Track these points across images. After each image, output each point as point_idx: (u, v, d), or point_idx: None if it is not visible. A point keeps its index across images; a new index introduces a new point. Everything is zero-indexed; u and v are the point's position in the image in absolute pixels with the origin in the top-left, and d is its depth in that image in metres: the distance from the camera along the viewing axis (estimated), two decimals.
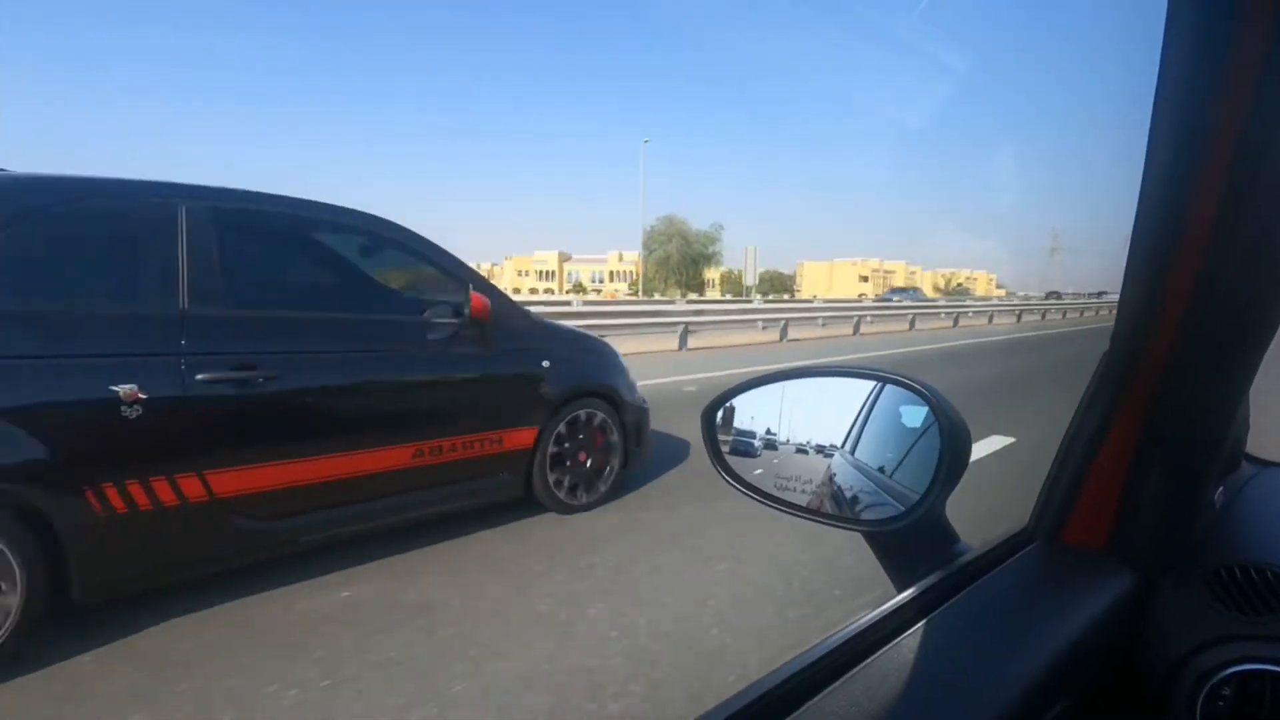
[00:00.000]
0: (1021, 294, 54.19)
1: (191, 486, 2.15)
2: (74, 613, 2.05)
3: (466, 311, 2.81)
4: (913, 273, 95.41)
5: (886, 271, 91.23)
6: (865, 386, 0.69)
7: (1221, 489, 0.72)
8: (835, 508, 0.68)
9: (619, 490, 3.47)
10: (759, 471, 0.72)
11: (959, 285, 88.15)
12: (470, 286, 2.86)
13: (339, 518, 2.53)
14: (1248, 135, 0.49)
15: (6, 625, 1.87)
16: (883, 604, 0.59)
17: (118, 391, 1.99)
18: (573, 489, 3.22)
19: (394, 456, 2.63)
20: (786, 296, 57.42)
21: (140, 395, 2.03)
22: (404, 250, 2.89)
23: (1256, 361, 0.58)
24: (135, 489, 2.04)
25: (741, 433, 0.74)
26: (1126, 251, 0.58)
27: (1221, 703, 0.57)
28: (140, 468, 2.05)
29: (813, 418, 0.71)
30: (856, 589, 2.46)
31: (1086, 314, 30.65)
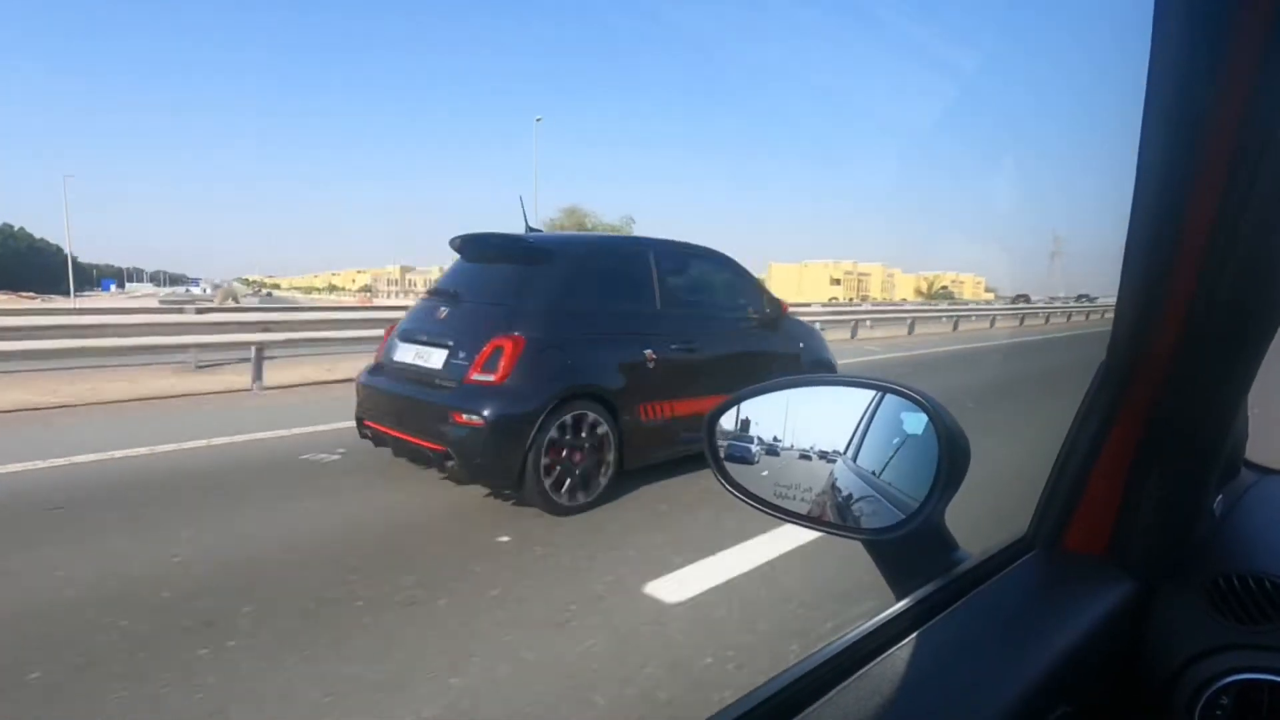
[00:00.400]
0: (996, 298, 51.73)
1: (668, 409, 3.88)
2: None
3: (766, 311, 4.67)
4: (890, 275, 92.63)
5: (861, 274, 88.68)
6: (865, 395, 0.69)
7: (1221, 496, 0.72)
8: (835, 516, 0.68)
9: None
10: (763, 476, 0.72)
11: (944, 288, 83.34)
12: (768, 295, 4.84)
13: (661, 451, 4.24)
14: (1244, 137, 0.48)
15: (608, 474, 3.59)
16: (882, 612, 0.59)
17: (645, 354, 3.79)
18: None
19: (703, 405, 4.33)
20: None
21: (653, 357, 3.81)
22: (735, 272, 4.66)
23: (1255, 367, 0.58)
24: (650, 407, 3.80)
25: (741, 440, 0.74)
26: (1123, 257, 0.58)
27: (1220, 711, 0.57)
28: (652, 396, 3.80)
29: (814, 426, 0.71)
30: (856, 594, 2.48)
31: (1061, 319, 27.21)
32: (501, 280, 3.83)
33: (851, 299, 67.00)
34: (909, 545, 0.65)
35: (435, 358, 3.57)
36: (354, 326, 8.72)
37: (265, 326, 7.83)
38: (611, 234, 5.72)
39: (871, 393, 0.69)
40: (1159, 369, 0.60)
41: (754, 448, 0.73)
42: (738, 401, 0.74)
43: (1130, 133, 0.54)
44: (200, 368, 8.23)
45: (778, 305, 4.76)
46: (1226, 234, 0.52)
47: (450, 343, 3.54)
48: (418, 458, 3.57)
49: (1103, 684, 0.62)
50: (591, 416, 3.51)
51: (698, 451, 3.06)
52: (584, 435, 3.48)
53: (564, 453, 3.40)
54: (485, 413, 3.23)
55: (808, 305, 18.66)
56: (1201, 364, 0.58)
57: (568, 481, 3.40)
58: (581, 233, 4.88)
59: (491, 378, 3.31)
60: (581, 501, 3.45)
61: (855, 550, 0.67)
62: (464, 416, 3.25)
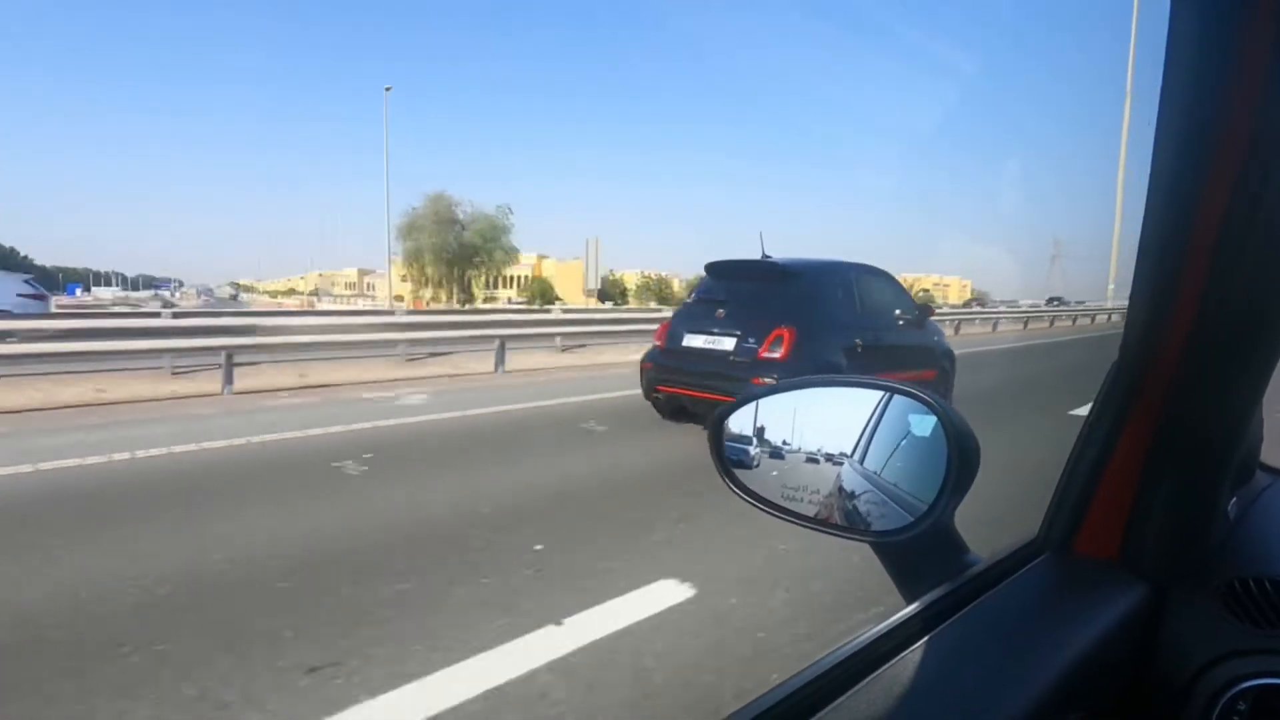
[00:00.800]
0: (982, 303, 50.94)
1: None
2: None
3: (915, 314, 6.13)
4: None
5: None
6: (873, 396, 0.68)
7: (1235, 499, 0.71)
8: (843, 518, 0.67)
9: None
10: (770, 478, 0.71)
11: (924, 292, 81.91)
12: (916, 302, 6.37)
13: None
14: (1256, 138, 0.48)
15: None
16: (891, 615, 0.58)
17: (855, 341, 5.24)
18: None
19: (901, 378, 5.22)
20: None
21: (860, 344, 5.22)
22: (896, 285, 6.30)
23: (1270, 369, 0.58)
24: (882, 377, 4.53)
25: (747, 442, 0.73)
26: (1130, 259, 0.58)
27: (1236, 718, 0.56)
28: (859, 370, 4.90)
29: (821, 428, 0.70)
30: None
31: (1042, 324, 25.39)
32: (764, 291, 5.46)
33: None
34: (918, 548, 0.64)
35: (727, 343, 5.25)
36: (315, 332, 8.74)
37: (234, 331, 7.79)
38: (826, 260, 6.19)
39: (879, 394, 0.68)
40: (1171, 370, 0.59)
41: (760, 450, 0.73)
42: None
43: (1133, 136, 0.54)
44: (176, 373, 8.05)
45: (926, 310, 6.43)
46: (1239, 234, 0.51)
47: (738, 332, 5.21)
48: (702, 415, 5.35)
49: (1115, 691, 0.61)
50: None
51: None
52: None
53: None
54: (776, 377, 4.64)
55: None
56: (1214, 365, 0.58)
57: None
58: (813, 259, 6.08)
59: (776, 355, 5.00)
60: None
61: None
62: (761, 380, 4.72)
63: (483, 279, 37.67)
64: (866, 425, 0.68)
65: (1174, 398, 0.61)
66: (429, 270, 35.46)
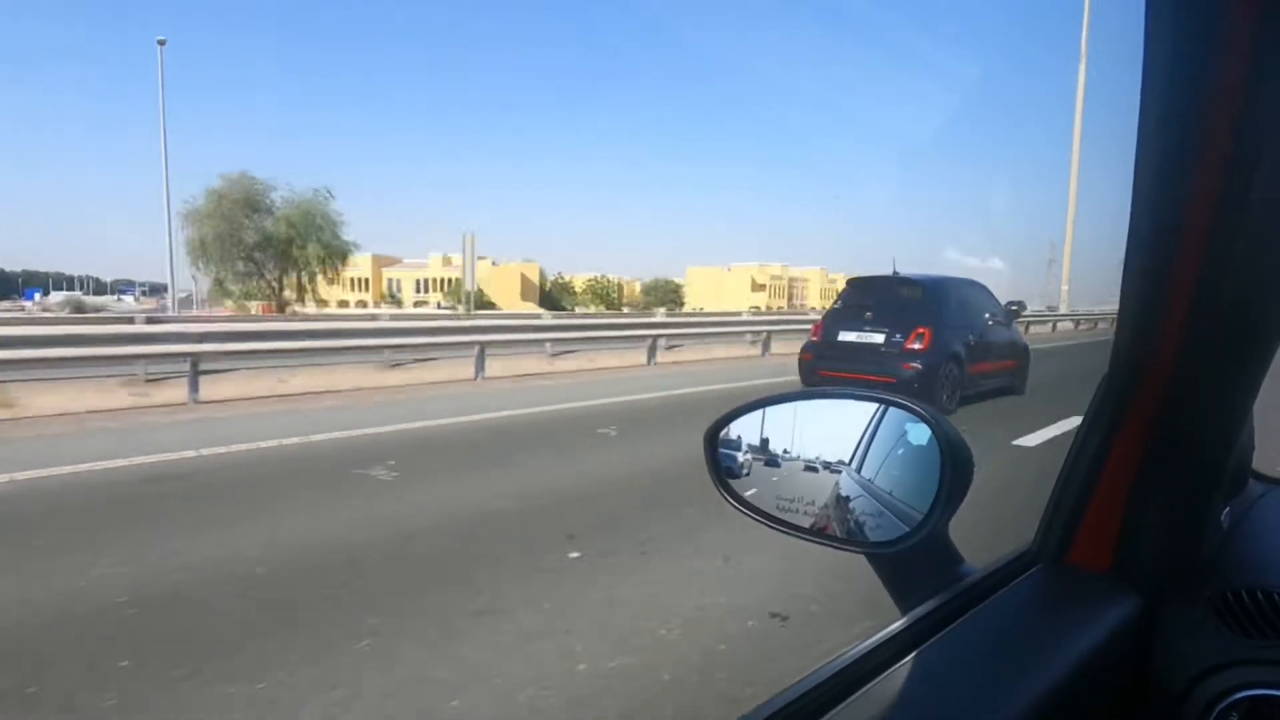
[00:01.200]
0: None
1: (975, 368, 7.19)
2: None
3: (1003, 317, 7.85)
4: (832, 280, 75.43)
5: (795, 278, 75.01)
6: (868, 409, 0.68)
7: (1227, 509, 0.72)
8: (839, 529, 0.67)
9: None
10: (765, 489, 0.71)
11: None
12: (1004, 308, 8.00)
13: (986, 386, 7.46)
14: (1239, 143, 0.48)
15: (958, 395, 7.04)
16: (886, 626, 0.58)
17: (970, 338, 7.20)
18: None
19: (995, 366, 7.62)
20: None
21: (972, 340, 7.19)
22: (989, 293, 7.87)
23: (1260, 376, 0.58)
24: (971, 365, 7.08)
25: (742, 453, 0.73)
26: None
27: None
28: (971, 360, 7.08)
29: (817, 440, 0.71)
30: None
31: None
32: (899, 299, 7.37)
33: (779, 307, 57.31)
34: (913, 559, 0.64)
35: (876, 338, 7.11)
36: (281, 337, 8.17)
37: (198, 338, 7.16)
38: (941, 276, 8.15)
39: (874, 406, 0.68)
40: (1162, 380, 0.60)
41: (755, 462, 0.73)
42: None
43: (1124, 141, 0.53)
44: (150, 380, 7.86)
45: (1013, 313, 8.16)
46: (1226, 242, 0.51)
47: (885, 330, 7.06)
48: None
49: (1108, 702, 0.61)
50: (955, 369, 6.98)
51: (985, 389, 7.51)
52: (954, 376, 7.00)
53: (946, 383, 6.90)
54: (918, 364, 6.79)
55: (738, 314, 18.15)
56: (1206, 374, 0.58)
57: (944, 396, 6.84)
58: (929, 274, 7.82)
59: (919, 346, 6.85)
60: (953, 408, 6.87)
61: None
62: (909, 365, 6.81)
63: (295, 279, 29.98)
64: (862, 437, 0.68)
65: (1165, 408, 0.61)
66: (215, 267, 28.22)
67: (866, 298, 7.53)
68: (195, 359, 7.12)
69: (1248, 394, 0.59)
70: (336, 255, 30.28)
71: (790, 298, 73.29)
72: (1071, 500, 0.67)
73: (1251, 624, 0.59)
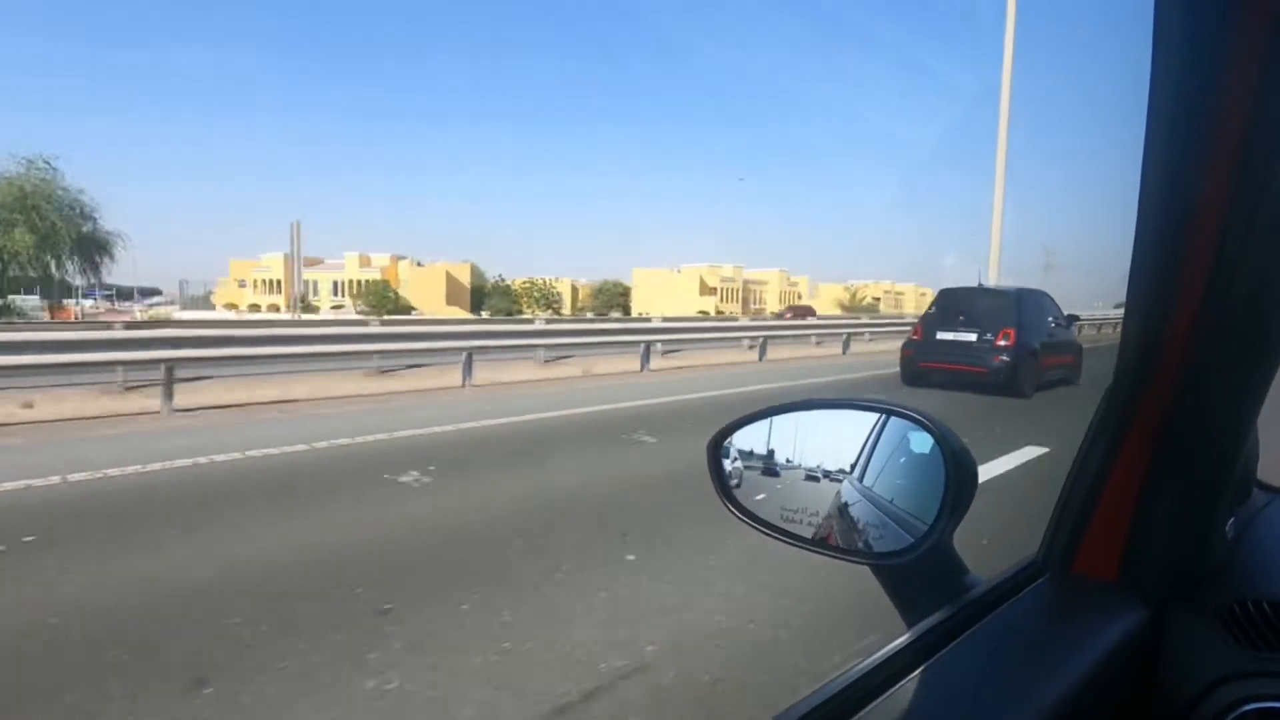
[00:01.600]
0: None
1: (1044, 360, 9.09)
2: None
3: (1064, 321, 9.94)
4: (794, 283, 69.92)
5: (751, 281, 67.20)
6: (869, 418, 0.68)
7: (1233, 519, 0.71)
8: (842, 540, 0.67)
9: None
10: (769, 499, 0.71)
11: (876, 300, 66.26)
12: (1060, 313, 9.99)
13: (1052, 376, 9.27)
14: (1248, 153, 0.47)
15: (1035, 381, 8.99)
16: (892, 639, 0.57)
17: (1041, 338, 9.23)
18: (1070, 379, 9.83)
19: (1058, 360, 9.47)
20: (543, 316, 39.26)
21: (1046, 340, 9.28)
22: (1052, 300, 9.80)
23: (1266, 385, 0.58)
24: (1043, 358, 9.08)
25: (746, 463, 0.73)
26: (1123, 268, 0.57)
27: None
28: (1044, 354, 9.12)
29: (819, 450, 0.70)
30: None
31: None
32: (986, 305, 9.16)
33: (732, 312, 51.69)
34: (918, 570, 0.64)
35: (970, 336, 8.84)
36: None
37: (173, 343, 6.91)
38: (1018, 287, 9.99)
39: (875, 415, 0.67)
40: (1168, 388, 0.59)
41: (758, 471, 0.72)
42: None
43: (1131, 144, 0.53)
44: (128, 388, 7.74)
45: (1074, 317, 10.23)
46: (1233, 251, 0.51)
47: (977, 330, 8.77)
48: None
49: (1114, 715, 0.60)
50: (1033, 361, 8.65)
51: (1051, 379, 9.28)
52: (1032, 366, 8.65)
53: (1027, 372, 8.57)
54: (1006, 357, 8.46)
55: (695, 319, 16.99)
56: (1212, 382, 0.58)
57: (1025, 383, 8.47)
58: (1007, 285, 10.00)
59: (1005, 343, 8.51)
60: (1030, 393, 8.52)
61: None
62: (998, 358, 8.50)
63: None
64: (864, 447, 0.68)
65: (1171, 416, 0.61)
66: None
67: (958, 304, 9.41)
68: (170, 365, 6.91)
69: (1254, 402, 0.59)
70: (72, 245, 23.77)
71: (745, 302, 65.16)
72: (1077, 509, 0.67)
73: (1259, 635, 0.59)
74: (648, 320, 15.67)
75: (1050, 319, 9.41)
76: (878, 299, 66.82)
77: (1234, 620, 0.60)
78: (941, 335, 9.19)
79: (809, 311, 41.90)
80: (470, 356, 9.10)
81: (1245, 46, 0.45)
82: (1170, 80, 0.48)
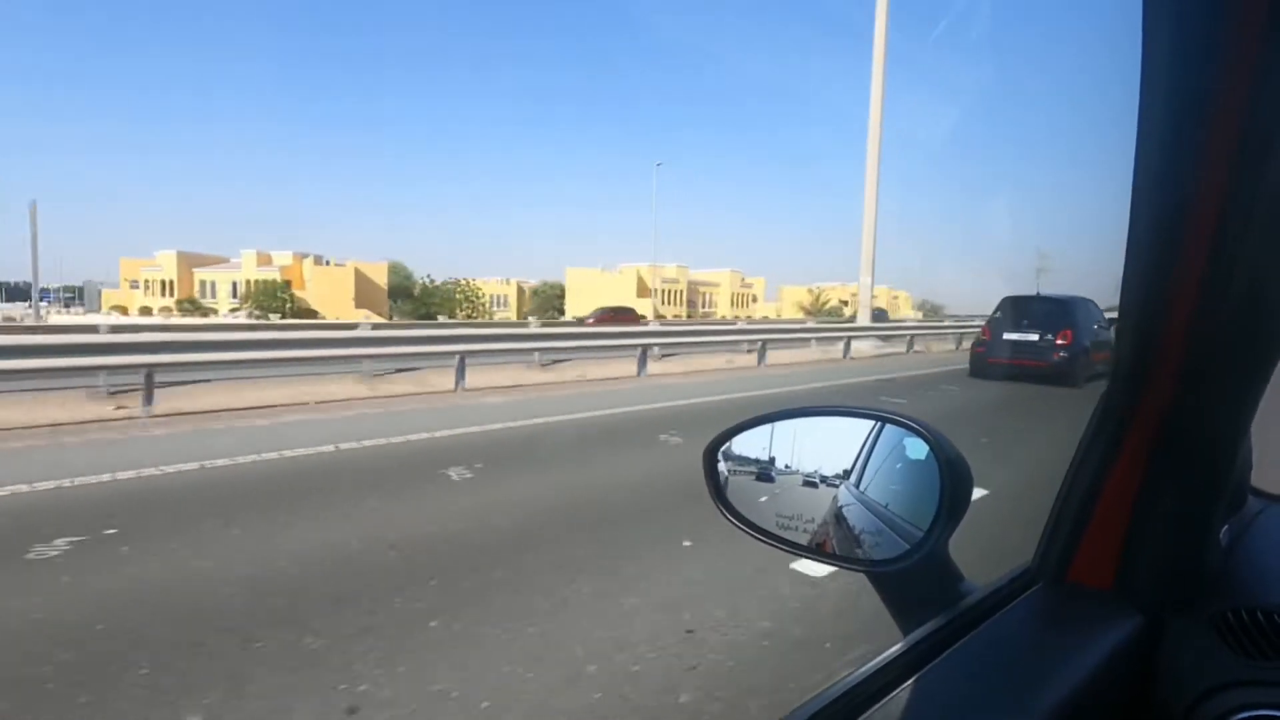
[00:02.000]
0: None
1: (1093, 356, 10.36)
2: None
3: (1106, 324, 10.57)
4: (747, 285, 66.06)
5: (698, 282, 62.21)
6: (865, 426, 0.68)
7: (1227, 526, 0.71)
8: (838, 547, 0.67)
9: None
10: (765, 506, 0.70)
11: (843, 303, 56.29)
12: (1103, 317, 10.93)
13: (1098, 370, 10.34)
14: (1241, 158, 0.47)
15: (1087, 374, 10.30)
16: (887, 647, 0.57)
17: (1091, 338, 10.62)
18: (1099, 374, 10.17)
19: (1103, 357, 10.07)
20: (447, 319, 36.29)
21: (1092, 338, 10.56)
22: (1095, 305, 11.11)
23: (1260, 391, 0.58)
24: (1091, 355, 10.52)
25: (741, 470, 0.73)
26: (1117, 272, 0.57)
27: None
28: (1096, 353, 10.36)
29: (815, 457, 0.70)
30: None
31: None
32: (1045, 310, 10.71)
33: (676, 315, 49.56)
34: (914, 577, 0.64)
35: (1032, 336, 10.56)
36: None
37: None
38: (1070, 294, 11.57)
39: (871, 423, 0.67)
40: (1162, 396, 0.59)
41: (754, 477, 0.72)
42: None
43: (1122, 142, 0.52)
44: (114, 393, 7.61)
45: (1112, 321, 9.57)
46: (1227, 255, 0.51)
47: (1039, 331, 10.51)
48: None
49: None
50: (1086, 358, 9.88)
51: (1098, 373, 10.00)
52: (1085, 362, 9.85)
53: (1082, 367, 9.83)
54: (1065, 354, 10.27)
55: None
56: (1205, 390, 0.58)
57: (1080, 376, 9.61)
58: (1061, 293, 11.48)
59: (1064, 342, 10.35)
60: (1083, 385, 9.53)
61: None
62: (1058, 354, 10.33)
63: None
64: (859, 455, 0.68)
65: (1166, 423, 0.61)
66: None
67: (1022, 310, 10.99)
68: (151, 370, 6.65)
69: (1249, 406, 0.59)
70: None
71: (690, 304, 60.53)
72: (1071, 517, 0.67)
73: (1252, 644, 0.59)
74: (647, 324, 15.51)
75: (1095, 324, 10.86)
76: (844, 302, 58.75)
77: (1229, 628, 0.60)
78: (1008, 336, 10.94)
79: (629, 315, 33.13)
80: (463, 360, 8.97)
81: (1236, 47, 0.45)
82: (1161, 81, 0.48)
